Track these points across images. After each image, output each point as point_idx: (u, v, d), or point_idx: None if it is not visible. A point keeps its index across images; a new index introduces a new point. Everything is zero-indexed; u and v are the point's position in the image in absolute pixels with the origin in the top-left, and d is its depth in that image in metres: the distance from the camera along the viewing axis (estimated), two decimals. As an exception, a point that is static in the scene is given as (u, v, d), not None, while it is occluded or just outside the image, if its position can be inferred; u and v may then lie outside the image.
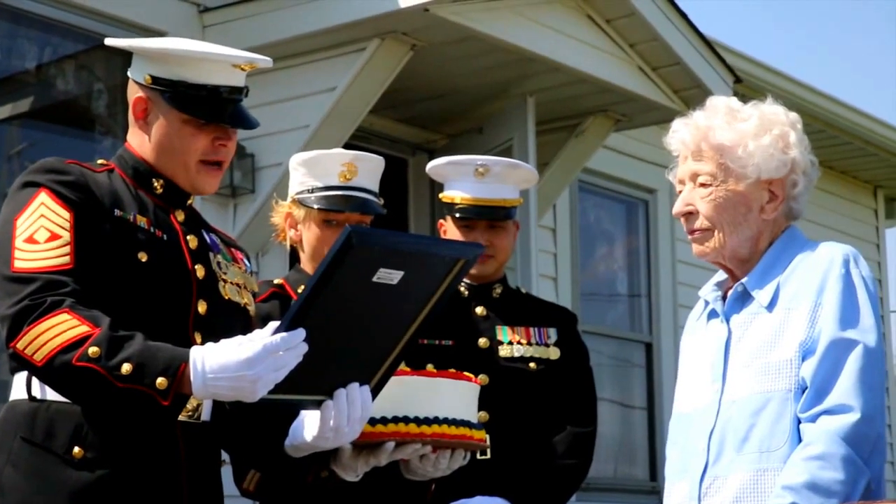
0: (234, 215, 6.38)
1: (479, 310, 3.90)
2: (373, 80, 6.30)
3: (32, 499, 2.58)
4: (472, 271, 3.92)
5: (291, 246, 3.67)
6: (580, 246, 8.65)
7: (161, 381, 2.48)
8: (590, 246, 8.96)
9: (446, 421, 2.86)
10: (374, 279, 2.50)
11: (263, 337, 2.50)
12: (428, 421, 2.85)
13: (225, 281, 2.87)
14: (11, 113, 6.00)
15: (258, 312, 3.54)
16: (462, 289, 3.94)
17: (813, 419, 2.65)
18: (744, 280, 2.84)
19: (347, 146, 5.71)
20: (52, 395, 2.64)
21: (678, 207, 2.87)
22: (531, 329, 3.90)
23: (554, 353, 3.88)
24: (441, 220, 4.00)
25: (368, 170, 3.59)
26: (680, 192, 2.89)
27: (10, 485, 2.60)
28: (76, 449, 2.60)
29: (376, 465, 2.89)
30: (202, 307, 2.77)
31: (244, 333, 2.57)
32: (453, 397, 2.90)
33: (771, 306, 2.78)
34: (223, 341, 2.53)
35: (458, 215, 3.88)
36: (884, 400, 2.70)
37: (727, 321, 2.85)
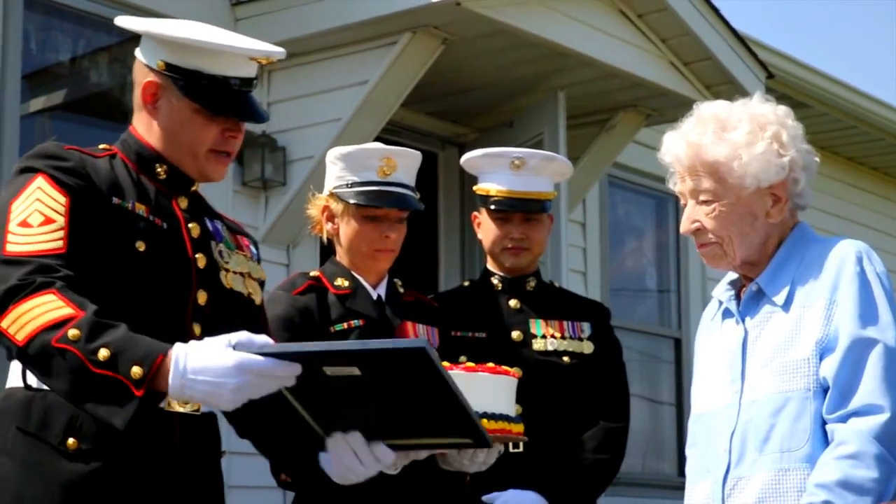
0: (266, 208, 6.37)
1: (513, 302, 3.90)
2: (404, 73, 6.29)
3: (26, 490, 2.52)
4: (507, 264, 3.92)
5: (328, 238, 3.67)
6: (609, 241, 8.62)
7: (136, 371, 2.38)
8: (619, 241, 8.93)
9: (485, 415, 2.85)
10: (329, 373, 2.44)
11: (253, 351, 2.41)
12: None
13: (227, 270, 2.79)
14: (45, 105, 6.01)
15: (295, 304, 3.54)
16: (496, 281, 3.93)
17: (843, 420, 2.63)
18: (757, 280, 2.81)
19: (378, 140, 5.71)
20: None
21: (685, 226, 2.85)
22: (565, 323, 3.89)
23: (587, 348, 3.87)
24: (475, 213, 3.99)
25: (406, 165, 3.58)
26: (685, 205, 2.86)
27: (4, 475, 2.54)
28: (70, 440, 2.54)
29: (415, 458, 2.88)
30: (202, 297, 2.70)
31: (246, 324, 2.53)
32: (492, 391, 2.89)
33: (786, 305, 2.75)
34: (208, 342, 2.43)
35: (493, 207, 3.87)
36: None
37: (742, 321, 2.82)
